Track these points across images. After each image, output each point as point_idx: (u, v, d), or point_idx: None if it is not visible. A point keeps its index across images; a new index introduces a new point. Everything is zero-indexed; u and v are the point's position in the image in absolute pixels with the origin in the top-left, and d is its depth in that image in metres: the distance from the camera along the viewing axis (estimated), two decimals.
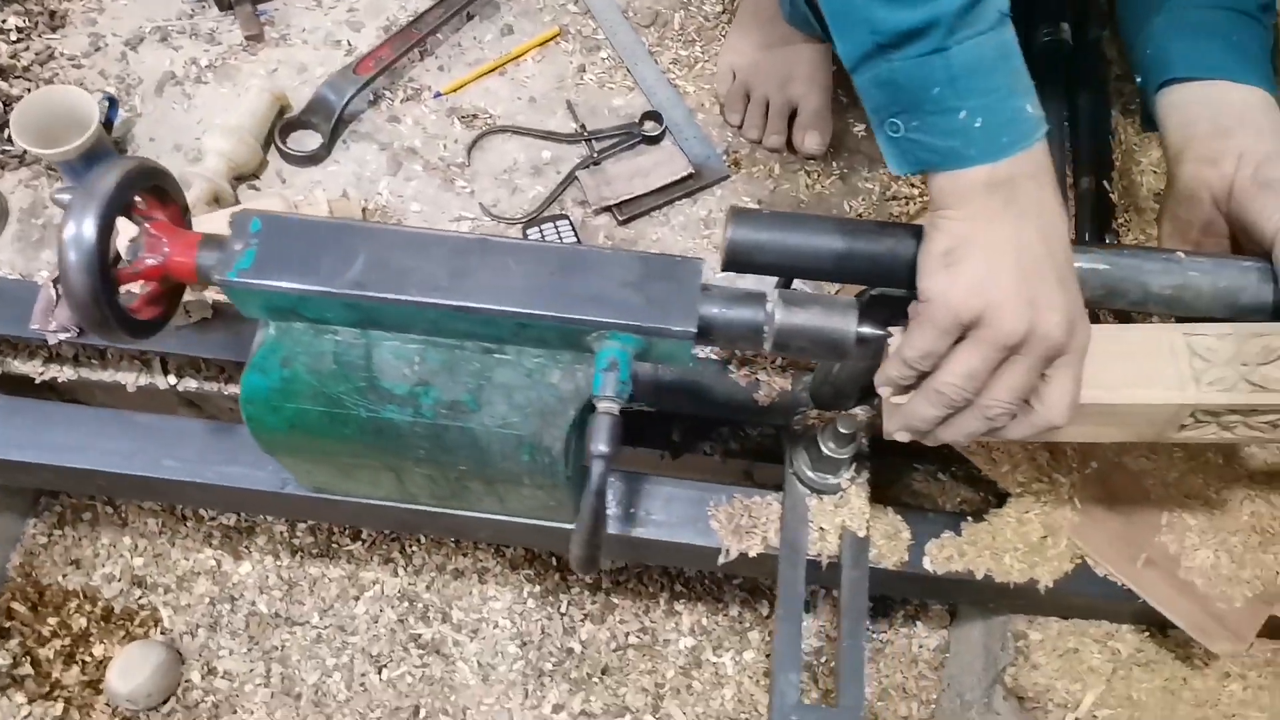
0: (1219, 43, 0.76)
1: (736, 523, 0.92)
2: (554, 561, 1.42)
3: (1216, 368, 0.66)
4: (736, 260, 0.72)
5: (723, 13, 1.21)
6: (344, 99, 1.09)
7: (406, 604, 1.39)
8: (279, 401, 0.73)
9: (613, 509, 0.94)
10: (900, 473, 1.02)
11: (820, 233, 0.71)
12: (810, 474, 0.92)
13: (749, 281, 0.85)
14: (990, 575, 0.92)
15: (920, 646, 1.28)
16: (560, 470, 0.76)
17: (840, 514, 0.91)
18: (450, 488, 0.85)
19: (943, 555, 0.92)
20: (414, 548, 1.42)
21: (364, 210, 1.06)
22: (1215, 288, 0.70)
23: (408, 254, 0.66)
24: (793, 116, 1.11)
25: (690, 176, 1.08)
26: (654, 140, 1.12)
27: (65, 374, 1.07)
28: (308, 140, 1.10)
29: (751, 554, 0.92)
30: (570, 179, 1.09)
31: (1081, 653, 0.99)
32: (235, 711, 1.31)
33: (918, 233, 0.67)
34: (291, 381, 0.72)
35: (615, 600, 1.40)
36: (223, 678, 1.33)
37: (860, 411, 0.95)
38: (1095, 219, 1.05)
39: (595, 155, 1.10)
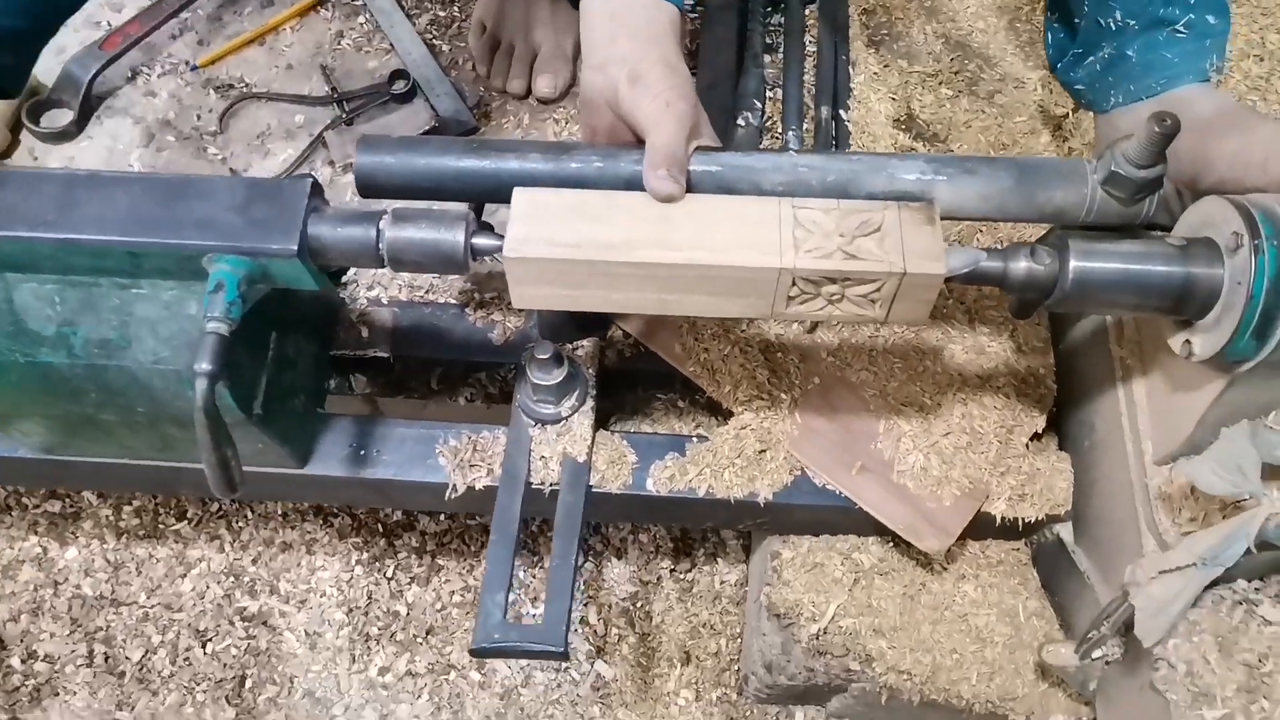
0: None
1: (462, 458, 0.94)
2: (380, 528, 1.43)
3: (816, 237, 0.68)
4: (367, 185, 0.74)
5: None
6: (90, 74, 1.10)
7: (233, 579, 1.40)
8: None
9: (345, 451, 0.95)
10: (641, 403, 1.04)
11: (441, 154, 0.73)
12: (532, 405, 0.94)
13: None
14: (711, 491, 0.94)
15: (722, 583, 1.30)
16: (229, 402, 0.78)
17: (562, 442, 0.93)
18: (157, 437, 0.87)
19: (665, 476, 0.94)
20: (241, 524, 1.44)
21: None
22: (824, 182, 0.72)
23: (18, 192, 0.67)
24: None
25: (434, 129, 1.10)
26: (404, 99, 1.14)
27: None
28: (59, 118, 1.11)
29: (477, 487, 0.94)
30: (318, 140, 1.11)
31: (826, 566, 1.01)
32: (57, 693, 1.32)
33: (516, 150, 0.70)
34: None
35: (441, 562, 1.42)
36: (43, 661, 1.34)
37: (588, 343, 0.98)
38: (829, 145, 1.07)
39: (345, 116, 1.12)
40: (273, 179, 0.69)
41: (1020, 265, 0.69)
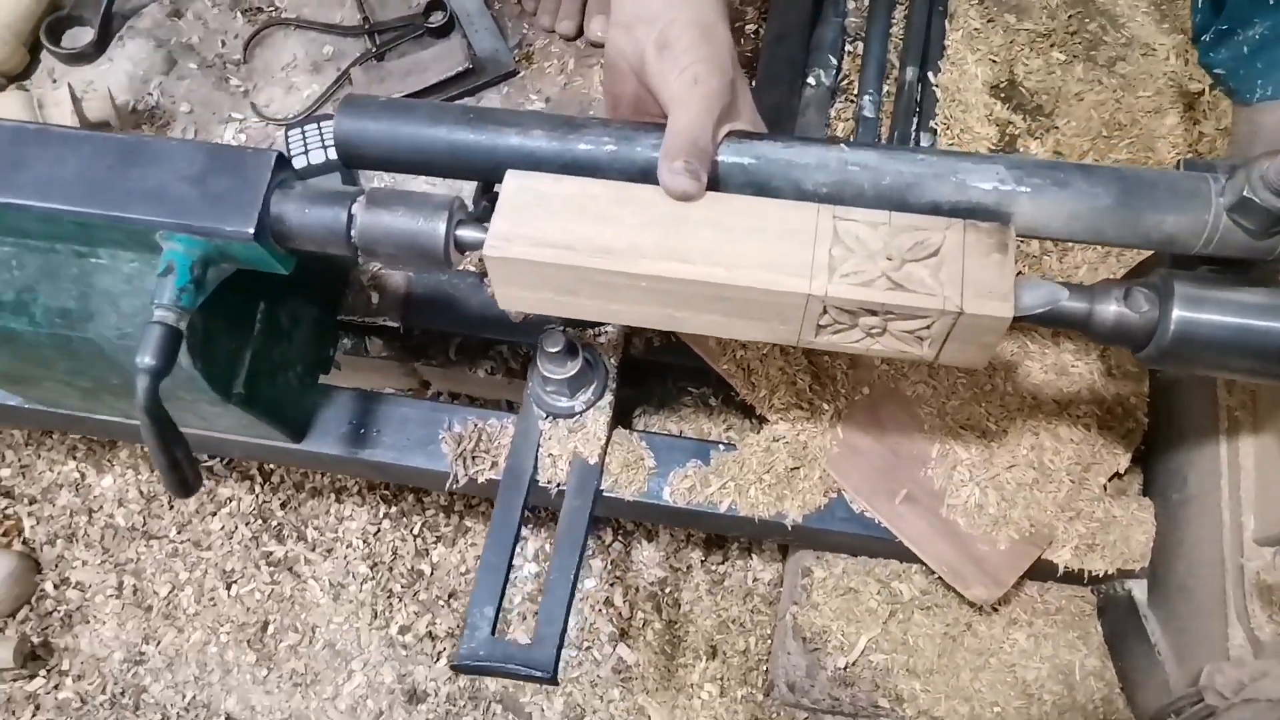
0: None
1: (466, 446, 0.86)
2: None
3: (857, 258, 0.56)
4: (347, 153, 0.64)
5: None
6: None
7: (261, 521, 1.38)
8: None
9: (344, 429, 0.89)
10: (670, 396, 0.94)
11: (432, 123, 0.63)
12: (544, 395, 0.85)
13: None
14: (734, 508, 0.84)
15: (755, 580, 1.21)
16: (202, 385, 0.71)
17: (574, 439, 0.84)
18: None
19: (684, 486, 0.85)
20: (272, 464, 1.41)
21: (132, 110, 1.01)
22: (878, 185, 0.59)
23: None
24: None
25: (469, 72, 1.00)
26: (441, 33, 1.03)
27: None
28: (79, 37, 1.05)
29: (480, 479, 0.86)
30: (344, 77, 1.02)
31: (861, 594, 0.91)
32: (88, 621, 1.33)
33: (518, 123, 0.60)
34: None
35: (468, 523, 1.36)
36: (75, 588, 1.34)
37: (612, 329, 0.88)
38: (911, 115, 0.93)
39: (376, 50, 1.03)
40: (235, 147, 0.61)
41: (1109, 309, 0.56)
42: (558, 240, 0.58)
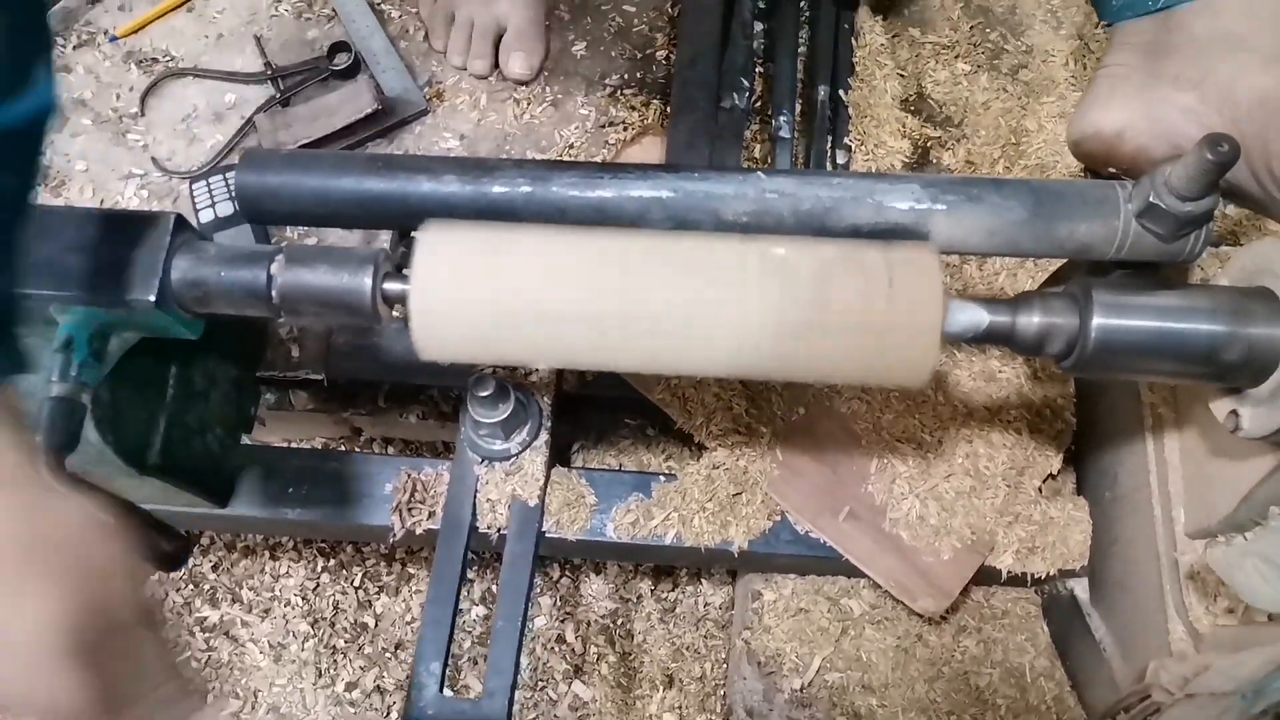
0: None
1: (400, 499, 0.84)
2: None
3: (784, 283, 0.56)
4: (251, 210, 0.62)
5: None
6: None
7: (192, 586, 1.32)
8: None
9: (270, 489, 0.86)
10: (608, 428, 0.93)
11: (337, 173, 0.61)
12: (478, 440, 0.83)
13: None
14: (679, 539, 0.83)
15: (706, 605, 1.20)
16: (113, 459, 0.68)
17: (512, 482, 0.83)
18: None
19: (627, 520, 0.84)
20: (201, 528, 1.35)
21: None
22: (797, 211, 0.59)
23: None
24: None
25: (379, 113, 0.98)
26: (347, 75, 1.01)
27: None
28: None
29: (418, 530, 0.84)
30: (248, 125, 0.99)
31: (812, 613, 0.90)
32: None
33: (428, 169, 0.58)
34: None
35: (411, 570, 1.33)
36: None
37: (532, 369, 0.86)
38: (825, 133, 0.94)
39: (280, 96, 1.00)
40: (129, 211, 0.58)
41: (1031, 320, 0.56)
42: (482, 286, 0.56)
